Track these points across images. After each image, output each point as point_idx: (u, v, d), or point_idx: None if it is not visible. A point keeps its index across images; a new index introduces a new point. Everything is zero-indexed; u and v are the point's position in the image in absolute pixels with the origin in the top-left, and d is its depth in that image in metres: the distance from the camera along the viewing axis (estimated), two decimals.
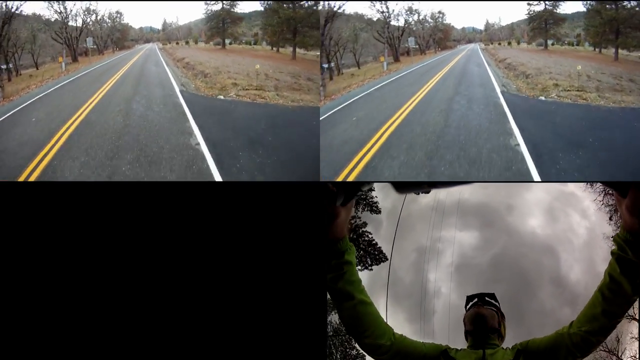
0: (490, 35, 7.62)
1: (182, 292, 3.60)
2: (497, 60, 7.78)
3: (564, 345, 2.25)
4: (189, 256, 3.62)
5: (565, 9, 7.10)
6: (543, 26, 7.20)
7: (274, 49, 6.73)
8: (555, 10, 7.11)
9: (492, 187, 4.25)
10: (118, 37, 7.30)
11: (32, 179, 4.53)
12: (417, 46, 7.54)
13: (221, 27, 7.04)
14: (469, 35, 7.75)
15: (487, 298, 2.61)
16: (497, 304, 2.62)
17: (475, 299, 2.62)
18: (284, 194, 3.65)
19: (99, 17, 7.07)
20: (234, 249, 3.61)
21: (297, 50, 6.55)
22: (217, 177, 4.50)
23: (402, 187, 3.29)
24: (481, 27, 7.67)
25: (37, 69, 6.59)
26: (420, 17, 7.52)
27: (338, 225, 2.25)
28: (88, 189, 3.80)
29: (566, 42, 7.14)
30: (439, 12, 7.50)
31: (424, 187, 3.88)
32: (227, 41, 7.15)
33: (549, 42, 7.28)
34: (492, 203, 4.14)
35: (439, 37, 7.78)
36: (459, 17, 7.65)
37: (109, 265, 3.63)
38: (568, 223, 4.08)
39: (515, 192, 4.16)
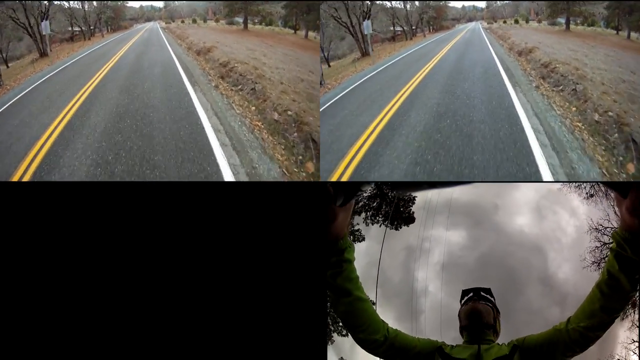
0: (493, 13, 6.28)
1: (182, 291, 3.63)
2: (516, 51, 5.76)
3: (562, 341, 2.32)
4: (188, 256, 3.66)
5: None
6: (564, 1, 5.70)
7: (295, 32, 5.32)
8: None
9: (482, 187, 4.25)
10: (110, 16, 5.75)
11: None
12: (372, 33, 5.35)
13: (243, 2, 5.58)
14: (469, 14, 6.37)
15: (482, 293, 2.67)
16: (492, 299, 2.67)
17: (471, 294, 2.67)
18: (284, 194, 3.66)
19: None
20: (234, 248, 3.64)
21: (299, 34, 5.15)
22: None
23: (401, 187, 3.31)
24: (482, 4, 6.22)
25: (8, 66, 4.83)
26: None
27: (338, 225, 2.30)
28: (86, 189, 3.81)
29: (578, 21, 5.59)
30: None
31: (424, 187, 3.90)
32: (240, 20, 5.51)
33: (563, 21, 5.70)
34: (480, 202, 4.15)
35: (431, 16, 6.39)
36: None
37: (107, 266, 3.66)
38: (556, 221, 4.08)
39: (504, 191, 4.16)
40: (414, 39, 6.31)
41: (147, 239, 3.64)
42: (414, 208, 4.23)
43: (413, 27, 6.39)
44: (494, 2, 6.25)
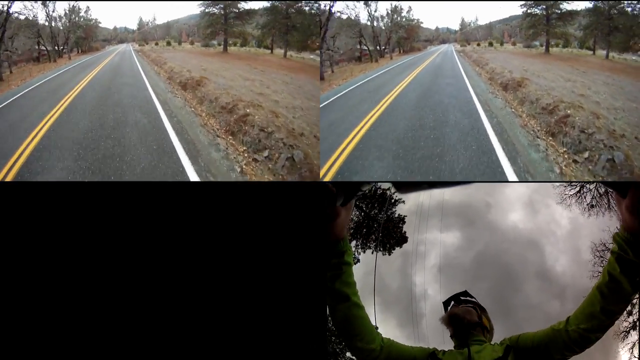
0: (466, 35, 6.12)
1: (182, 292, 3.62)
2: (500, 84, 5.22)
3: (560, 341, 2.28)
4: (188, 256, 3.65)
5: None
6: (544, 23, 5.42)
7: (272, 52, 5.25)
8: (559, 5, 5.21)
9: (472, 187, 4.26)
10: (81, 36, 5.39)
11: None
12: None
13: (223, 24, 5.39)
14: (442, 36, 6.18)
15: (461, 297, 2.66)
16: (472, 299, 2.66)
17: (452, 302, 2.67)
18: (284, 194, 3.68)
19: (50, 9, 4.94)
20: (234, 249, 3.63)
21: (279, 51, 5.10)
22: None
23: (401, 187, 3.31)
24: (456, 27, 6.00)
25: None
26: (374, 10, 5.47)
27: (338, 225, 2.30)
28: (81, 189, 3.79)
29: (553, 43, 5.39)
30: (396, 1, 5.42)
31: (424, 187, 3.91)
32: (214, 42, 5.38)
33: (538, 43, 5.44)
34: (472, 202, 4.15)
35: (401, 36, 5.98)
36: (431, 16, 5.83)
37: (107, 268, 3.63)
38: (550, 214, 4.08)
39: (495, 189, 4.17)
40: (380, 61, 5.69)
41: (147, 240, 3.60)
42: (404, 212, 4.24)
43: (382, 47, 5.88)
44: (467, 24, 6.03)
